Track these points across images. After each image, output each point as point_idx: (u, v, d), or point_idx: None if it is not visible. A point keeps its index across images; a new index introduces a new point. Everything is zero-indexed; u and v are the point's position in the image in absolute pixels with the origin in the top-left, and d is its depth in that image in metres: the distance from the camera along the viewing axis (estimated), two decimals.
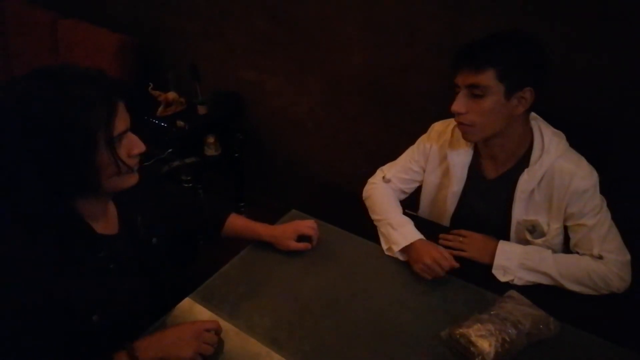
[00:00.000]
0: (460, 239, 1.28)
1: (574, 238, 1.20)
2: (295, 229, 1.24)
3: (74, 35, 2.60)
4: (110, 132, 0.82)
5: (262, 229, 1.24)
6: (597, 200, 1.16)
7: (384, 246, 1.27)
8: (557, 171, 1.16)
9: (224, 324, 1.03)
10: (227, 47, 2.29)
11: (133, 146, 0.88)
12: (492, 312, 1.00)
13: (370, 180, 1.44)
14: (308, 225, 1.25)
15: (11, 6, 2.82)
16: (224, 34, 2.26)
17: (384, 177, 1.40)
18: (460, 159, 1.30)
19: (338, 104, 2.09)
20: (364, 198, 1.42)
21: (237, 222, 1.24)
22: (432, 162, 1.36)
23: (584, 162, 1.17)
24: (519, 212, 1.23)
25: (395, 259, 1.24)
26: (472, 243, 1.26)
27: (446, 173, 1.34)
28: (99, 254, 0.90)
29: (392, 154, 1.50)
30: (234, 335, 1.02)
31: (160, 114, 2.29)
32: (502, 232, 1.26)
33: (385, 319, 1.08)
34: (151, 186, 1.11)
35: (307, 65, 2.08)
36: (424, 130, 1.43)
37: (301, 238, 1.25)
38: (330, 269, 1.21)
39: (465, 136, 1.21)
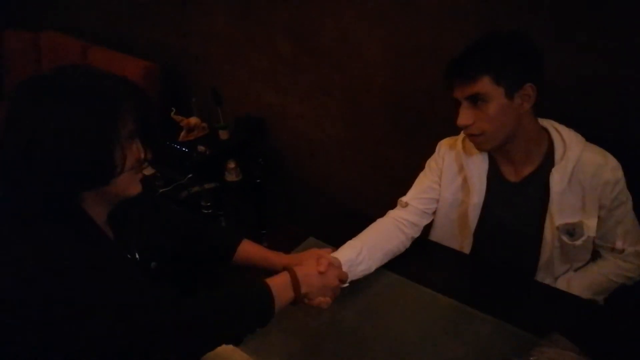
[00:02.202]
0: None
1: (598, 231, 1.17)
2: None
3: (103, 61, 2.65)
4: (134, 123, 0.84)
5: (276, 258, 1.16)
6: (626, 191, 1.14)
7: None
8: (585, 165, 1.13)
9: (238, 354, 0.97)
10: (249, 71, 2.28)
11: (140, 152, 0.88)
12: (531, 358, 0.88)
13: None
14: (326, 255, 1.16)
15: (46, 35, 2.94)
16: (247, 59, 2.25)
17: (400, 202, 1.31)
18: (477, 168, 1.23)
19: (361, 127, 2.02)
20: None
21: (249, 250, 1.16)
22: (446, 177, 1.29)
23: (607, 153, 1.15)
24: (558, 217, 1.16)
25: (423, 292, 1.13)
26: None
27: (462, 187, 1.27)
28: (114, 250, 0.90)
29: None
30: None
31: (182, 139, 2.28)
32: (534, 239, 1.20)
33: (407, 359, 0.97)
34: (150, 207, 1.06)
35: (329, 88, 2.04)
36: None
37: None
38: (347, 302, 1.12)
39: (478, 147, 1.18)
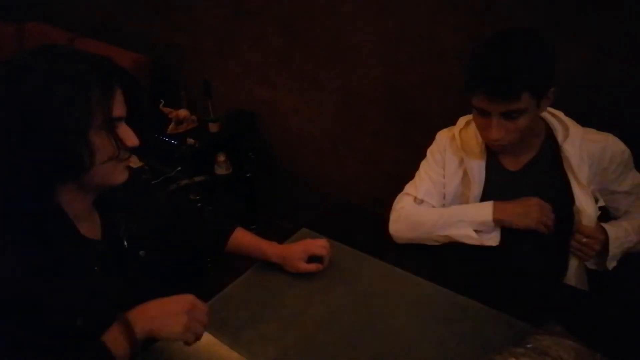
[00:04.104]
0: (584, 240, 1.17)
1: (623, 204, 1.21)
2: (305, 248, 1.14)
3: None
4: (108, 112, 0.78)
5: (270, 248, 1.15)
6: (632, 160, 1.19)
7: (465, 235, 1.18)
8: (589, 146, 1.15)
9: (225, 350, 0.94)
10: (241, 64, 2.26)
11: (127, 138, 0.83)
12: (528, 346, 0.87)
13: (398, 206, 1.29)
14: (319, 245, 1.15)
15: (31, 26, 2.87)
16: (239, 52, 2.23)
17: (415, 199, 1.28)
18: (477, 159, 1.23)
19: (354, 121, 2.01)
20: (397, 222, 1.26)
21: (243, 238, 1.15)
22: (449, 169, 1.28)
23: (601, 132, 1.19)
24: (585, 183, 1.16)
25: (418, 283, 1.12)
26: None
27: (463, 179, 1.27)
28: (82, 255, 0.84)
29: (411, 173, 1.40)
30: None
31: (171, 131, 2.25)
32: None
33: (404, 350, 0.96)
34: (141, 193, 1.03)
35: (322, 81, 2.02)
36: None
37: (312, 259, 1.14)
38: (342, 292, 1.10)
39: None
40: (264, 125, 2.34)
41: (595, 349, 0.88)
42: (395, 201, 1.32)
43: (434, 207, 1.27)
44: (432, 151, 1.32)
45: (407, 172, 1.42)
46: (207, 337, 0.96)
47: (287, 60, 2.08)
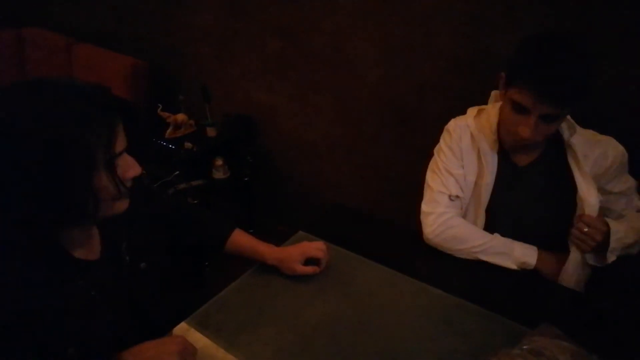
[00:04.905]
0: (586, 229, 1.15)
1: (616, 206, 1.23)
2: (302, 251, 1.14)
3: (88, 59, 2.62)
4: (110, 151, 0.74)
5: (267, 251, 1.15)
6: (627, 162, 1.21)
7: (506, 267, 1.20)
8: (590, 146, 1.18)
9: (222, 354, 0.93)
10: (239, 69, 2.27)
11: (128, 168, 0.80)
12: (524, 347, 0.88)
13: (438, 209, 1.25)
14: (317, 247, 1.15)
15: (29, 32, 2.89)
16: (236, 56, 2.24)
17: (450, 197, 1.27)
18: (490, 149, 1.24)
19: (352, 125, 2.02)
20: (437, 228, 1.23)
21: (241, 240, 1.15)
22: (467, 158, 1.27)
23: (602, 134, 1.22)
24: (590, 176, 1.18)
25: (415, 285, 1.13)
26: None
27: (478, 167, 1.27)
28: (77, 281, 0.82)
29: (408, 176, 1.40)
30: None
31: (168, 136, 2.25)
32: (536, 223, 1.23)
33: (399, 352, 0.96)
34: (142, 202, 1.00)
35: (320, 85, 2.03)
36: None
37: (309, 261, 1.14)
38: (339, 295, 1.10)
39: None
40: (262, 130, 2.34)
41: (591, 351, 0.89)
42: (429, 201, 1.28)
43: (460, 197, 1.27)
44: (448, 144, 1.30)
45: (404, 175, 1.43)
46: (204, 341, 0.97)
47: (285, 64, 2.09)
